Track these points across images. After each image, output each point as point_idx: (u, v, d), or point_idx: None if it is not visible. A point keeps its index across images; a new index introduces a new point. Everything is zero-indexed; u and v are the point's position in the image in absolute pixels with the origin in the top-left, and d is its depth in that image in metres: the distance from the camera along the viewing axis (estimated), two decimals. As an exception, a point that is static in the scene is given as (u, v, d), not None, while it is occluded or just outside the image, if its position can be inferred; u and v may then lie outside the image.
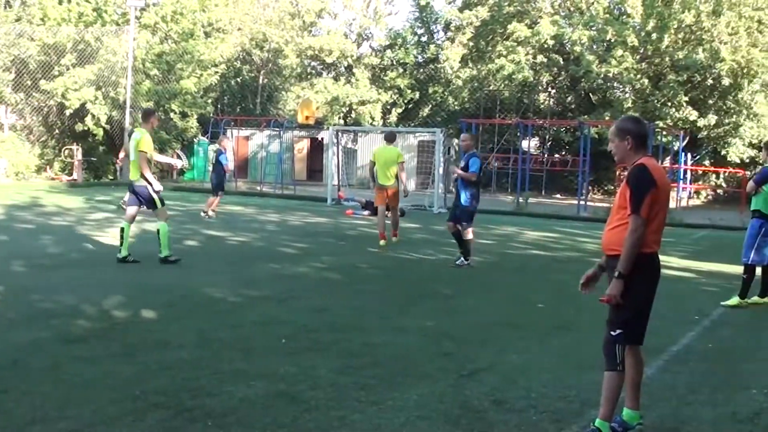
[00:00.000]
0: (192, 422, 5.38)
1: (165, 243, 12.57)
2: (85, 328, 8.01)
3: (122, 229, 12.59)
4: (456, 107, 50.37)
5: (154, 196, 12.51)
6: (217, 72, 43.32)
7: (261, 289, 10.75)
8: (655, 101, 40.13)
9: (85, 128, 35.38)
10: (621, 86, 43.65)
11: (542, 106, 49.18)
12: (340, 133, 33.66)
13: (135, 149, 12.44)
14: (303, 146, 44.48)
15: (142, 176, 12.43)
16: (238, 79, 50.33)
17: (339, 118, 48.09)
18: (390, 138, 16.51)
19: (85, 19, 36.40)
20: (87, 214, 20.41)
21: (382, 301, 10.27)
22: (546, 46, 43.88)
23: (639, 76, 40.52)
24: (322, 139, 41.02)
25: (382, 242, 15.83)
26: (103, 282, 10.75)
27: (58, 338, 7.52)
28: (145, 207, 12.88)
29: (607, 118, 38.54)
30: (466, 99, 49.67)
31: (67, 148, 36.08)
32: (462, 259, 13.67)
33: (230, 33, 46.28)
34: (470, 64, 47.98)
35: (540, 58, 44.94)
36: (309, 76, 52.26)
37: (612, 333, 5.29)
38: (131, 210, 12.86)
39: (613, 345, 5.29)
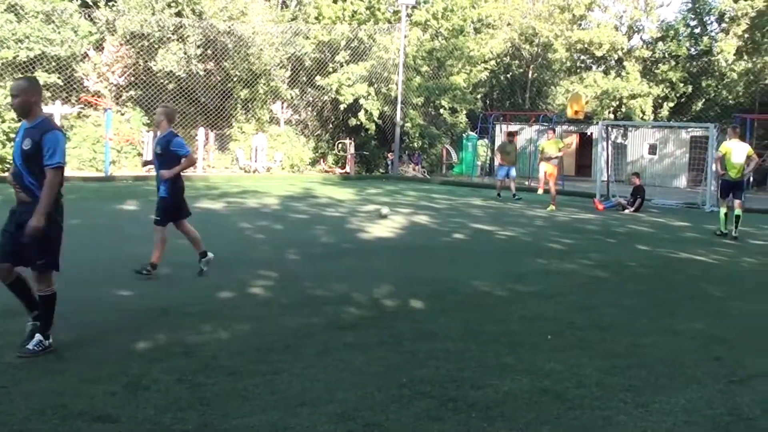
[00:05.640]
0: (456, 413, 5.43)
1: None
2: (355, 316, 8.25)
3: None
4: (730, 102, 47.94)
5: None
6: (486, 68, 43.56)
7: (528, 284, 10.67)
8: None
9: (358, 123, 36.51)
10: None
11: (824, 100, 45.92)
12: (609, 128, 32.82)
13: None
14: (572, 141, 43.84)
15: None
16: (508, 75, 50.28)
17: (609, 112, 47.10)
18: None
19: (358, 18, 37.61)
20: (359, 206, 21.00)
21: (650, 301, 9.93)
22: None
23: None
24: (592, 134, 40.20)
25: None
26: (373, 272, 11.05)
27: (329, 324, 7.79)
28: None
29: None
30: (740, 93, 47.27)
31: (340, 142, 37.44)
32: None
33: (500, 28, 46.36)
34: (745, 57, 45.67)
35: (822, 49, 42.01)
36: (578, 70, 51.50)
37: None
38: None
39: None
